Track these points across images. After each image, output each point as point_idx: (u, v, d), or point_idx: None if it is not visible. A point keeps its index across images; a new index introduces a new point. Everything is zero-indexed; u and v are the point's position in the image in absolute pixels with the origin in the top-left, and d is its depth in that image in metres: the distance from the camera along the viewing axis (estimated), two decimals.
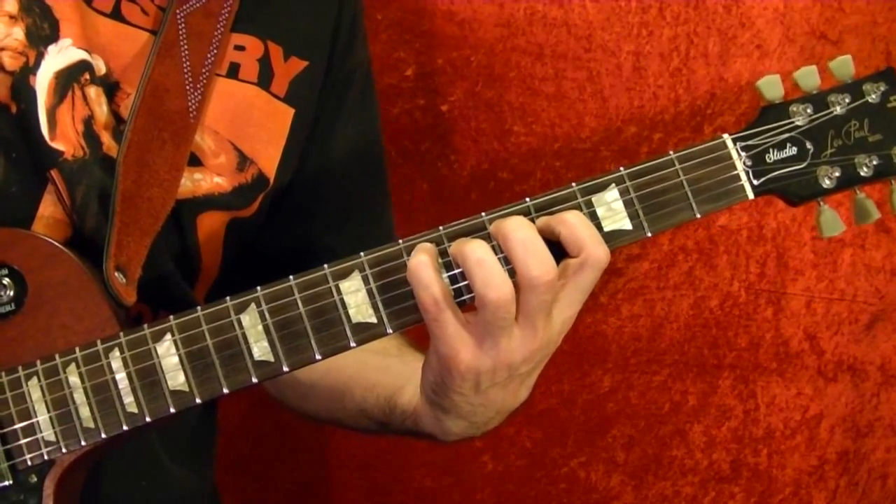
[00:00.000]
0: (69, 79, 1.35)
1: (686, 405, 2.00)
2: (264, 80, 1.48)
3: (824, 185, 1.27)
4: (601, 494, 2.05)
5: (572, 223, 1.18)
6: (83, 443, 1.22)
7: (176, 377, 1.21)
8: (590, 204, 1.22)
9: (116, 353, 1.22)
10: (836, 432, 1.99)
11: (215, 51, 1.43)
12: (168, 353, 1.21)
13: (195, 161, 1.41)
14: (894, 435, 1.99)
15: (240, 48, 1.47)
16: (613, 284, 1.98)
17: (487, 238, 1.18)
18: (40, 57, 1.34)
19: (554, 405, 2.03)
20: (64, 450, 1.23)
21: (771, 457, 2.00)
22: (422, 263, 1.16)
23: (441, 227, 1.21)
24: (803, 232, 1.93)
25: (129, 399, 1.21)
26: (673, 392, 2.00)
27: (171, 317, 1.22)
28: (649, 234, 1.23)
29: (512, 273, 1.16)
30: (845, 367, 1.98)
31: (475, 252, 1.15)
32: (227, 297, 1.22)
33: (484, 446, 2.06)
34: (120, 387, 1.21)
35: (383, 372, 1.45)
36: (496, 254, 1.16)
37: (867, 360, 1.98)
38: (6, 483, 1.23)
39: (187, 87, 1.40)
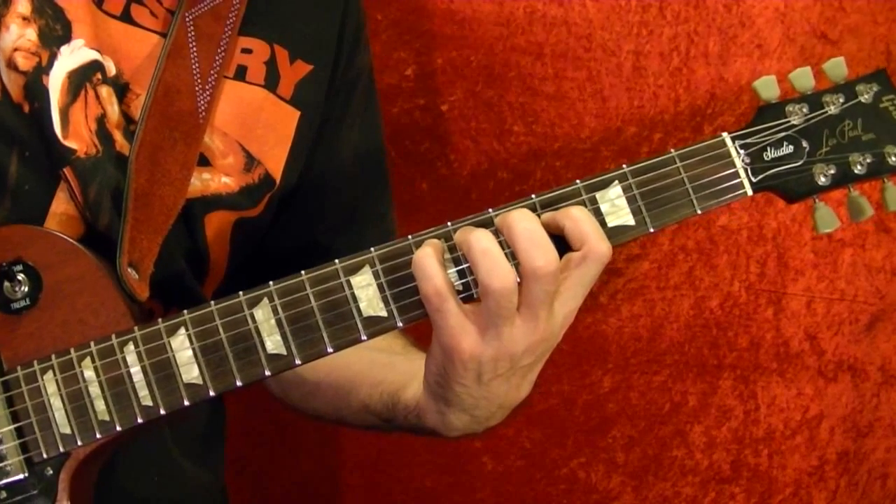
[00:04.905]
0: (82, 78, 1.36)
1: (686, 405, 2.01)
2: (271, 82, 1.49)
3: (820, 183, 1.30)
4: (601, 495, 2.05)
5: (576, 217, 1.21)
6: (98, 435, 1.24)
7: (190, 370, 1.23)
8: (594, 200, 1.25)
9: (131, 347, 1.23)
10: (837, 432, 2.00)
11: (223, 53, 1.45)
12: (182, 347, 1.23)
13: (204, 161, 1.43)
14: (894, 435, 2.00)
15: (247, 51, 1.49)
16: (613, 284, 1.98)
17: (495, 234, 1.20)
18: (53, 57, 1.36)
19: (554, 405, 2.03)
20: (79, 442, 1.24)
21: (771, 457, 2.01)
22: (425, 255, 1.19)
23: (450, 223, 1.24)
24: (804, 232, 1.94)
25: (143, 392, 1.23)
26: (673, 392, 2.01)
27: (185, 311, 1.24)
28: (652, 230, 1.26)
29: (516, 265, 1.18)
30: (845, 368, 1.99)
31: (480, 242, 1.18)
32: (241, 292, 1.24)
33: (484, 447, 2.06)
34: (135, 380, 1.23)
35: (388, 369, 1.46)
36: (502, 249, 1.19)
37: (867, 360, 1.99)
38: (22, 476, 1.24)
39: (196, 89, 1.42)
